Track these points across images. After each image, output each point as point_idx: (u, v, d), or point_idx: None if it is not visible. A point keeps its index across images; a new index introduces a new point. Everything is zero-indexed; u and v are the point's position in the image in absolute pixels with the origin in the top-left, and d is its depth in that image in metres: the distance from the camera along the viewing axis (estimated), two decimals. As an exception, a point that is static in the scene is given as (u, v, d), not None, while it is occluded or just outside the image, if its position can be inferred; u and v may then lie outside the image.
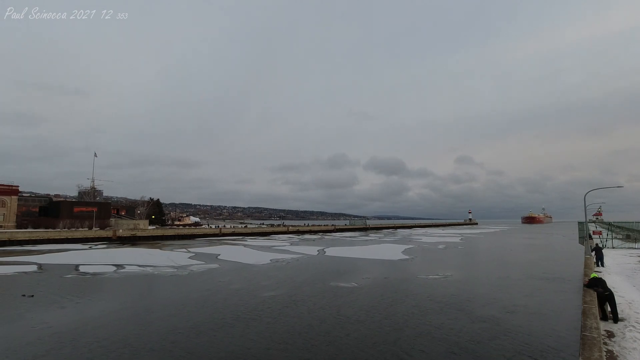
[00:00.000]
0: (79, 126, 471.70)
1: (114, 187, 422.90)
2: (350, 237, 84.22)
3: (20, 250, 46.21)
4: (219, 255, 41.84)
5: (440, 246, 56.09)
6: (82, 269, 30.03)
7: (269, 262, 35.99)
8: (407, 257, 40.71)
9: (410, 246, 55.34)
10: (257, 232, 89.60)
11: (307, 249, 51.36)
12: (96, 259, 37.31)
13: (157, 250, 47.82)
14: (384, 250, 49.42)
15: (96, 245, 55.07)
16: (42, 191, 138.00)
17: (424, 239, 73.07)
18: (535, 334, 13.13)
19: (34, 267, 30.62)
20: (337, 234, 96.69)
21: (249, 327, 14.12)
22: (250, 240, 68.49)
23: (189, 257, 39.19)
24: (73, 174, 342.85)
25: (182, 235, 73.22)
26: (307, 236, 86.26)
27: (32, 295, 19.69)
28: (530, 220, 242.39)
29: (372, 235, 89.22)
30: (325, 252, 46.69)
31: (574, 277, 26.02)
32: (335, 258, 39.78)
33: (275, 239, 72.64)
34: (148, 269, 30.16)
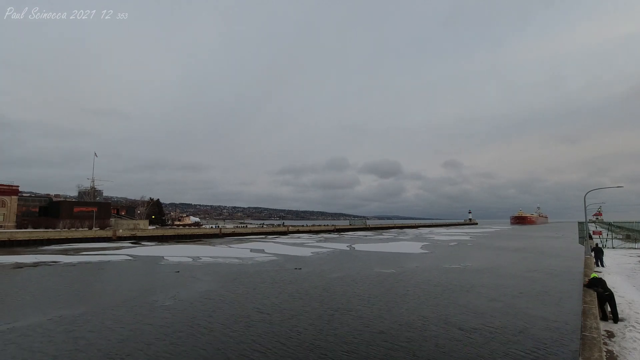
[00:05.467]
0: (109, 136, 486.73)
1: (115, 187, 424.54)
2: (365, 235, 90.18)
3: (91, 247, 51.14)
4: (264, 249, 47.21)
5: (452, 243, 61.98)
6: (168, 259, 35.38)
7: (312, 254, 41.49)
8: (426, 251, 46.38)
9: (426, 243, 61.22)
10: (257, 232, 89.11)
11: (335, 245, 57.22)
12: (166, 252, 42.59)
13: (208, 246, 53.47)
14: (403, 246, 55.25)
15: (140, 243, 59.88)
16: (45, 192, 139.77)
17: (435, 237, 79.15)
18: (538, 313, 15.97)
19: (128, 258, 35.86)
20: (350, 233, 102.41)
21: (330, 295, 19.77)
22: (277, 239, 74.15)
23: (250, 251, 45.07)
24: (84, 176, 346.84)
25: (182, 236, 72.65)
26: (324, 235, 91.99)
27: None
28: (520, 220, 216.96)
29: (386, 234, 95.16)
30: (354, 247, 52.39)
31: (573, 272, 28.28)
32: (366, 252, 45.50)
33: (299, 238, 78.26)
34: (219, 259, 35.48)
